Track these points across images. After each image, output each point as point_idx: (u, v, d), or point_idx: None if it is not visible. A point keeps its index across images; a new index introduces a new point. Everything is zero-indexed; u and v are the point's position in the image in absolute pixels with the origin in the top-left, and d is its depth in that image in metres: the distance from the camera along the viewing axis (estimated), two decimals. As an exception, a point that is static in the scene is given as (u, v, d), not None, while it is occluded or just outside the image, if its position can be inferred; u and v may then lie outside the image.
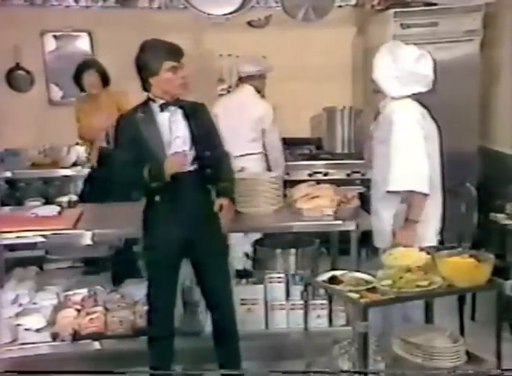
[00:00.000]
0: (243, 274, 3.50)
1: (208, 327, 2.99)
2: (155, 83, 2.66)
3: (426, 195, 2.75)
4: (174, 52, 2.69)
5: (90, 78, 4.10)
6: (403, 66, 2.82)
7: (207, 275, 2.81)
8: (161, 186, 2.65)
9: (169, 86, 2.66)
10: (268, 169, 4.22)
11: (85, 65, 4.17)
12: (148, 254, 2.80)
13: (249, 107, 4.23)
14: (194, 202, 2.71)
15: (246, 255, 3.79)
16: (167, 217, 2.68)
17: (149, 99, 2.71)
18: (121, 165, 2.72)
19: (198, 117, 2.75)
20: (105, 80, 4.16)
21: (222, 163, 2.83)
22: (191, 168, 2.71)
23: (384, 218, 2.89)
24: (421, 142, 2.76)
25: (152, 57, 2.65)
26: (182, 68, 2.69)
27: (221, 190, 2.77)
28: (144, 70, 2.66)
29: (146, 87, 2.70)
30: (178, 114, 2.71)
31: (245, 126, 4.19)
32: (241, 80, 4.37)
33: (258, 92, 4.33)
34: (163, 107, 2.69)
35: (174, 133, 2.68)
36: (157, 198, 2.69)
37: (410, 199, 2.78)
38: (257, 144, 4.28)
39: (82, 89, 4.19)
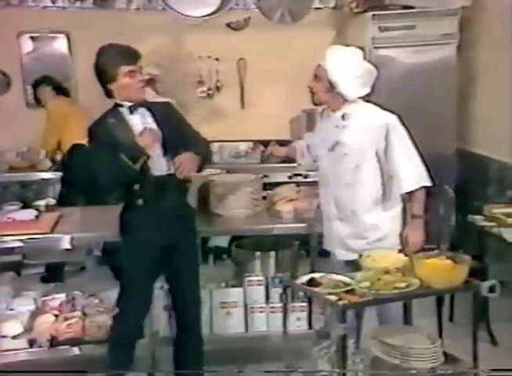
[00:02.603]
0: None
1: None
2: (115, 89, 2.63)
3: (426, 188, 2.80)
4: (130, 56, 2.63)
5: (45, 94, 4.52)
6: (361, 66, 2.81)
7: (178, 278, 2.81)
8: (142, 189, 2.63)
9: (128, 91, 2.62)
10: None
11: (38, 81, 4.62)
12: (128, 258, 2.76)
13: None
14: (174, 206, 2.70)
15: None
16: (149, 221, 2.66)
17: (116, 104, 2.68)
18: (104, 168, 2.66)
19: (167, 118, 2.72)
20: (60, 92, 4.54)
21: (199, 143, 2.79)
22: (170, 172, 2.68)
23: (365, 221, 2.87)
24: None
25: (108, 63, 2.60)
26: (140, 72, 2.65)
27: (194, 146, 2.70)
28: (102, 77, 2.63)
29: (108, 93, 2.67)
30: (148, 116, 2.68)
31: None
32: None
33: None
34: (132, 110, 2.66)
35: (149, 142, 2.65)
36: (140, 202, 2.66)
37: (412, 195, 2.80)
38: None
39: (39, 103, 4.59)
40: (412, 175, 2.77)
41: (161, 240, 2.66)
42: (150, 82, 4.55)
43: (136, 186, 2.65)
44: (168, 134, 2.68)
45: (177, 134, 2.71)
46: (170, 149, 2.68)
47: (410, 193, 2.81)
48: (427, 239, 2.86)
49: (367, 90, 2.83)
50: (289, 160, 3.51)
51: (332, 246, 2.98)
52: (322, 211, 3.03)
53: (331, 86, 2.79)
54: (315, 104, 2.92)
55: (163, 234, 2.66)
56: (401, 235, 2.86)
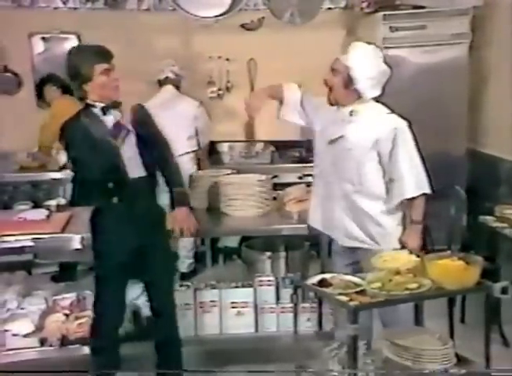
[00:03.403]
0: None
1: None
2: (90, 89, 2.62)
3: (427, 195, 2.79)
4: (104, 55, 2.64)
5: (51, 93, 4.52)
6: (381, 66, 2.80)
7: (151, 279, 2.83)
8: (115, 189, 2.65)
9: (104, 90, 2.62)
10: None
11: (44, 80, 4.61)
12: (99, 258, 2.75)
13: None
14: (145, 207, 2.72)
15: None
16: (121, 221, 2.67)
17: (87, 105, 2.67)
18: (83, 168, 2.69)
19: (140, 120, 2.74)
20: (66, 91, 4.48)
21: (171, 166, 2.84)
22: (142, 174, 2.70)
23: (368, 215, 2.86)
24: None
25: (82, 62, 2.59)
26: (114, 70, 2.66)
27: (177, 198, 2.78)
28: (77, 78, 2.61)
29: (81, 95, 2.67)
30: (121, 117, 2.68)
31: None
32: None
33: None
34: (105, 111, 2.65)
35: (121, 136, 2.67)
36: (112, 202, 2.67)
37: (412, 201, 2.79)
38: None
39: (44, 102, 4.59)
40: (414, 181, 2.76)
41: (132, 240, 2.67)
42: (174, 82, 4.58)
43: (110, 185, 2.66)
44: (142, 136, 2.70)
45: (149, 137, 2.73)
46: (143, 150, 2.69)
47: (410, 199, 2.79)
48: (424, 245, 2.86)
49: (379, 91, 2.83)
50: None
51: (330, 228, 2.95)
52: (315, 195, 3.01)
53: (350, 81, 2.76)
54: (331, 104, 2.87)
55: (134, 235, 2.67)
56: (400, 239, 2.85)
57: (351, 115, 2.83)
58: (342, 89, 2.79)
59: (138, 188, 2.69)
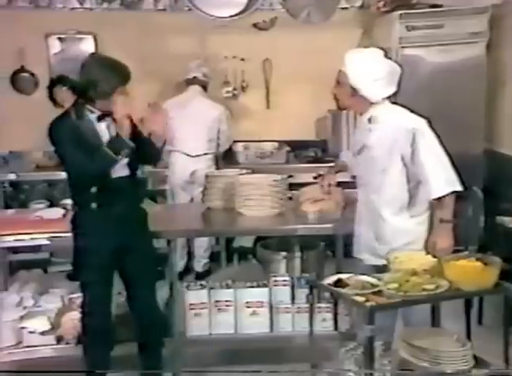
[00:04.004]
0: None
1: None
2: (101, 103, 2.65)
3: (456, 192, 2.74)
4: (127, 76, 2.67)
5: (61, 94, 4.52)
6: (382, 67, 2.76)
7: (133, 281, 2.85)
8: (99, 190, 2.66)
9: (116, 108, 2.63)
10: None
11: (54, 81, 4.64)
12: (82, 260, 2.76)
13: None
14: (128, 208, 2.74)
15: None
16: (104, 222, 2.68)
17: (83, 107, 2.68)
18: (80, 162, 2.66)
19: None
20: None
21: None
22: (126, 174, 2.72)
23: (392, 226, 2.82)
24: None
25: (104, 79, 2.60)
26: (128, 91, 2.68)
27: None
28: (92, 91, 2.62)
29: (85, 102, 2.67)
30: (112, 125, 2.69)
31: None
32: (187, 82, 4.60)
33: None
34: (100, 118, 2.68)
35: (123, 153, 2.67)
36: (95, 204, 2.68)
37: (441, 200, 2.73)
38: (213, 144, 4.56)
39: (56, 103, 4.61)
40: (441, 180, 2.70)
41: (115, 241, 2.69)
42: (201, 82, 4.60)
43: (93, 189, 2.67)
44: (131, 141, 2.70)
45: (136, 144, 2.71)
46: (130, 155, 2.69)
47: (439, 198, 2.73)
48: (455, 244, 2.79)
49: (393, 89, 2.79)
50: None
51: (359, 251, 2.94)
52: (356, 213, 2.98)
53: (354, 91, 2.76)
54: (340, 109, 2.90)
55: (116, 236, 2.68)
56: (427, 241, 2.80)
57: (370, 122, 2.81)
58: (351, 99, 2.80)
59: (122, 187, 2.71)
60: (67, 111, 2.72)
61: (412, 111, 2.83)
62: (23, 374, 2.37)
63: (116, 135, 2.65)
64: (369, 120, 2.81)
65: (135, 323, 2.93)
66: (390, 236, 2.81)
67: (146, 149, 2.77)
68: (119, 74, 2.64)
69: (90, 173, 2.65)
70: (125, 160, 2.71)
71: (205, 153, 4.54)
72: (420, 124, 2.77)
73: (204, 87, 4.65)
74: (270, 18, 5.10)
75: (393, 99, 2.86)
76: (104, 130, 2.70)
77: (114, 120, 2.68)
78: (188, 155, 4.50)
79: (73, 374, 2.49)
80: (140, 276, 2.84)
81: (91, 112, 2.68)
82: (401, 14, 4.40)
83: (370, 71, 2.73)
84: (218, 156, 4.73)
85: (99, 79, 2.60)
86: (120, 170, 2.72)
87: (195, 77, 4.60)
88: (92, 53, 2.73)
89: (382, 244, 2.81)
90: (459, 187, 2.72)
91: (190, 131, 4.45)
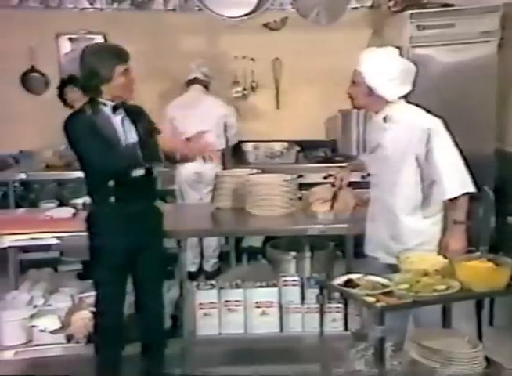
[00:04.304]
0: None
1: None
2: (106, 89, 2.63)
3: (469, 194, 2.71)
4: (124, 55, 2.65)
5: (72, 94, 4.53)
6: (398, 66, 2.75)
7: (142, 278, 2.83)
8: (116, 187, 2.65)
9: (122, 90, 2.65)
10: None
11: (65, 81, 4.66)
12: (96, 256, 2.75)
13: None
14: (144, 207, 2.73)
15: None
16: (121, 219, 2.68)
17: (96, 102, 2.67)
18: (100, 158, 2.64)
19: (141, 120, 2.76)
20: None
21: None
22: (141, 172, 2.70)
23: (406, 226, 2.81)
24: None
25: (103, 63, 2.59)
26: (131, 70, 2.67)
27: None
28: (95, 78, 2.60)
29: (93, 93, 2.66)
30: (126, 117, 2.70)
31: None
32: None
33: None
34: (115, 110, 2.66)
35: (128, 136, 2.69)
36: (112, 199, 2.67)
37: (454, 201, 2.70)
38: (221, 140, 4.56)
39: (66, 103, 4.61)
40: (455, 181, 2.68)
41: (131, 239, 2.68)
42: (203, 82, 4.61)
43: (111, 183, 2.66)
44: (142, 136, 2.70)
45: (147, 138, 2.71)
46: (143, 151, 2.66)
47: (452, 199, 2.71)
48: (468, 245, 2.77)
49: (408, 88, 2.78)
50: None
51: (373, 250, 2.92)
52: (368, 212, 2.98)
53: (370, 90, 2.76)
54: (356, 108, 2.89)
55: (133, 233, 2.68)
56: (440, 241, 2.78)
57: (385, 121, 2.80)
58: (366, 98, 2.79)
59: (139, 186, 2.70)
60: (82, 108, 2.72)
61: (427, 111, 2.81)
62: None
63: (154, 145, 2.64)
64: (385, 119, 2.80)
65: (140, 323, 2.93)
66: (405, 236, 2.79)
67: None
68: (114, 54, 2.63)
69: (111, 168, 2.63)
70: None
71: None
72: (436, 124, 2.75)
73: (206, 86, 4.65)
74: (281, 18, 5.12)
75: (408, 98, 2.85)
76: (119, 123, 2.68)
77: (127, 111, 2.68)
78: None
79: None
80: (151, 276, 2.84)
81: (104, 105, 2.67)
82: (412, 13, 4.39)
83: (386, 70, 2.73)
84: (225, 153, 4.73)
85: (97, 65, 2.59)
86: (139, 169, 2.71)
87: (196, 78, 4.60)
88: (86, 46, 2.72)
89: (397, 244, 2.80)
90: (472, 188, 2.70)
91: (197, 130, 4.46)
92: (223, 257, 4.86)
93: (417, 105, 2.84)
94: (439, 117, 2.78)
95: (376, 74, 2.73)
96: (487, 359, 2.42)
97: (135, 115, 2.75)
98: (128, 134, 2.69)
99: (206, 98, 4.60)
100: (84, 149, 2.65)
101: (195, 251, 4.63)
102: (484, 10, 4.31)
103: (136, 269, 2.82)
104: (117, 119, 2.69)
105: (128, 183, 2.68)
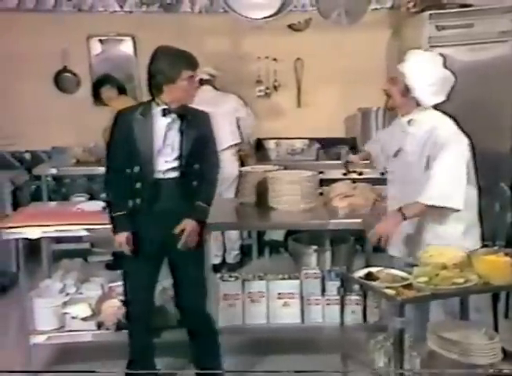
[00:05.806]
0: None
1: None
2: (168, 90, 2.66)
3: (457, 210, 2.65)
4: (193, 62, 2.71)
5: (107, 92, 4.67)
6: (439, 73, 2.74)
7: (181, 275, 2.84)
8: (142, 188, 2.68)
9: (183, 95, 2.68)
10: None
11: (101, 80, 4.78)
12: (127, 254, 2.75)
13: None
14: (174, 204, 2.72)
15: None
16: (147, 219, 2.71)
17: (152, 100, 2.72)
18: (114, 161, 2.73)
19: (196, 127, 2.74)
20: (122, 92, 4.74)
21: (206, 179, 2.80)
22: (172, 175, 2.71)
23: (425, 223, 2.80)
24: (465, 161, 2.68)
25: (170, 65, 2.65)
26: (196, 78, 2.76)
27: (194, 210, 2.74)
28: (159, 77, 2.65)
29: (154, 92, 2.70)
30: (176, 122, 2.70)
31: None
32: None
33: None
34: (165, 113, 2.68)
35: (167, 140, 2.69)
36: (138, 200, 2.70)
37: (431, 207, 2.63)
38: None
39: (100, 102, 4.76)
40: (437, 190, 2.59)
41: (161, 232, 2.70)
42: (209, 81, 4.72)
43: (138, 185, 2.69)
44: (188, 142, 2.71)
45: (198, 146, 2.73)
46: (185, 159, 2.70)
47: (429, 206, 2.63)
48: (482, 239, 2.79)
49: (442, 98, 2.75)
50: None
51: (394, 249, 2.87)
52: (387, 210, 2.95)
53: (406, 90, 2.73)
54: (389, 109, 2.87)
55: (160, 233, 2.70)
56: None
57: (409, 124, 2.79)
58: (400, 98, 2.77)
59: (170, 188, 2.72)
60: (135, 106, 2.80)
61: (459, 125, 2.75)
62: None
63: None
64: (409, 122, 2.78)
65: (182, 316, 2.98)
66: (427, 239, 2.77)
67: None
68: (184, 58, 2.70)
69: (140, 165, 2.69)
70: (175, 164, 2.72)
71: (230, 146, 4.60)
72: (456, 140, 2.68)
73: (213, 85, 4.70)
74: (305, 19, 5.16)
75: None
76: (162, 128, 2.69)
77: (180, 116, 2.70)
78: None
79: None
80: (187, 270, 2.83)
81: (158, 105, 2.70)
82: (431, 14, 4.42)
83: (427, 74, 2.70)
84: (243, 150, 4.80)
85: (165, 65, 2.65)
86: (172, 172, 2.73)
87: (201, 79, 4.68)
88: (159, 46, 2.83)
89: (417, 243, 2.79)
90: (452, 205, 2.61)
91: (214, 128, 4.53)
92: (245, 250, 4.95)
93: (451, 116, 2.79)
94: (451, 116, 2.77)
95: (417, 76, 2.70)
96: (504, 350, 2.47)
97: (192, 121, 2.73)
98: (167, 138, 2.69)
99: (215, 95, 4.64)
100: (109, 144, 2.77)
101: (218, 243, 4.73)
102: (502, 10, 4.31)
103: (172, 262, 2.84)
104: (163, 122, 2.69)
105: (155, 184, 2.69)
